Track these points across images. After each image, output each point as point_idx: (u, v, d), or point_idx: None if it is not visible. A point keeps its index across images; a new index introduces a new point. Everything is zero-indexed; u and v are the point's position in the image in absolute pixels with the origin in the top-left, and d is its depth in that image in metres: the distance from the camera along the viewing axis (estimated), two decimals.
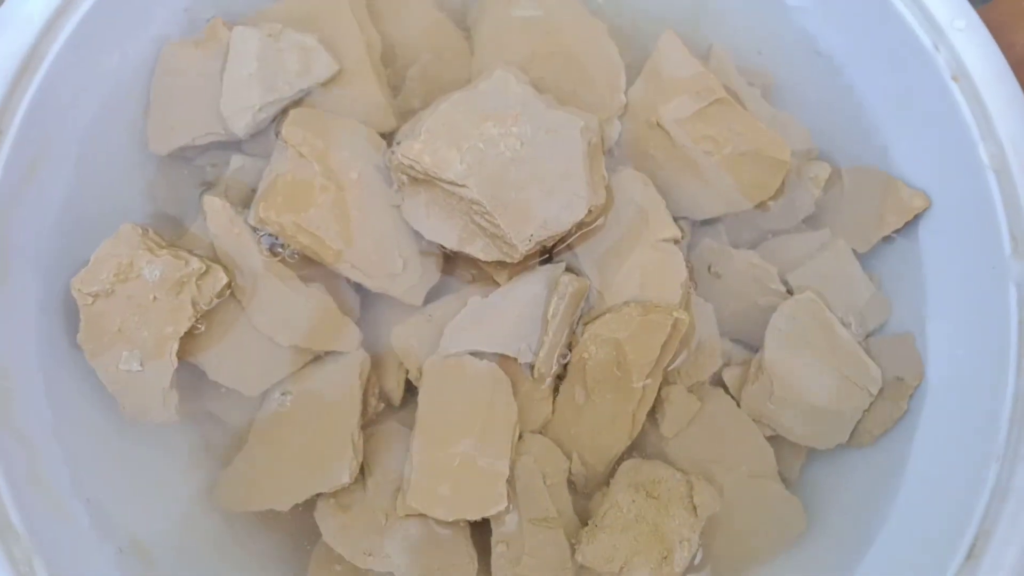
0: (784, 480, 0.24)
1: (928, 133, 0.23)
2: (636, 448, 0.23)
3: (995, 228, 0.22)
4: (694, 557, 0.22)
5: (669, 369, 0.23)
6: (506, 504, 0.21)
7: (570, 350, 0.23)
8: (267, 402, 0.23)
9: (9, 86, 0.21)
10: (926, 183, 0.24)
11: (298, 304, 0.22)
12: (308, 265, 0.23)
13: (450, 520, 0.21)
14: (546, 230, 0.22)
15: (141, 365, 0.21)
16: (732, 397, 0.24)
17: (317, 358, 0.23)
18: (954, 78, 0.22)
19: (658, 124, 0.24)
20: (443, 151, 0.22)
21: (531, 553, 0.22)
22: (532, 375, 0.22)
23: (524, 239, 0.22)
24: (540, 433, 0.23)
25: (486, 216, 0.22)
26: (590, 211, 0.22)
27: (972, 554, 0.20)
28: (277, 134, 0.23)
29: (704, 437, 0.23)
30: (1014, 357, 0.21)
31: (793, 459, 0.24)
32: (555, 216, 0.22)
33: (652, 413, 0.23)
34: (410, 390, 0.23)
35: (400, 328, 0.23)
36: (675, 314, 0.22)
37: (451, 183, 0.22)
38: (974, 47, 0.22)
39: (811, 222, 0.25)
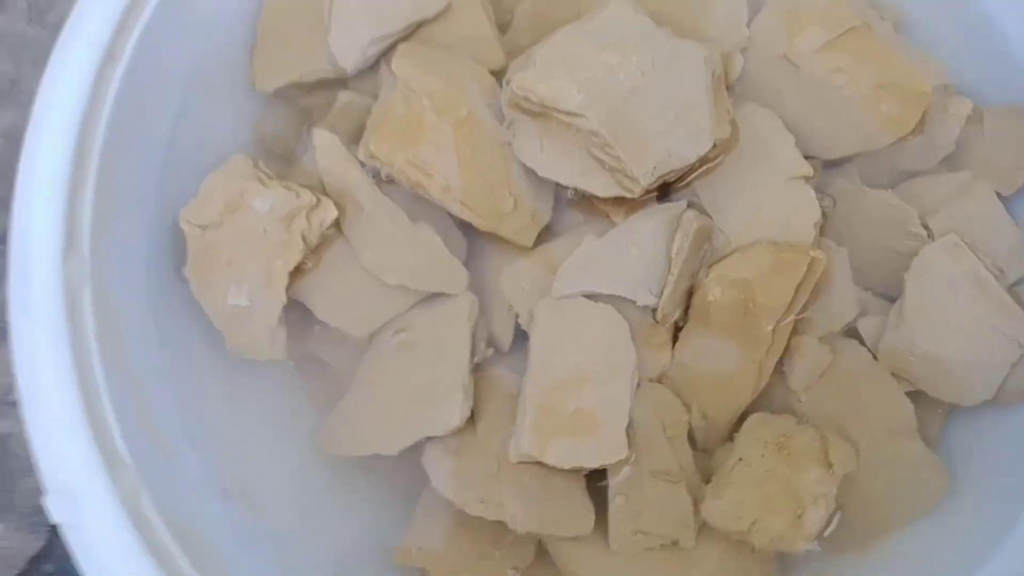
0: (928, 439, 0.22)
1: None
2: (762, 402, 0.22)
3: None
4: (831, 517, 0.20)
5: (801, 317, 0.21)
6: (627, 453, 0.20)
7: (692, 295, 0.22)
8: (374, 344, 0.22)
9: (118, 23, 0.21)
10: None
11: (406, 243, 0.21)
12: (417, 203, 0.22)
13: (567, 468, 0.20)
14: (669, 163, 0.20)
15: (249, 300, 0.21)
16: (868, 349, 0.22)
17: (425, 300, 0.22)
18: None
19: (785, 57, 0.22)
20: (560, 81, 0.21)
21: (651, 507, 0.20)
22: (654, 318, 0.21)
23: (646, 172, 0.20)
24: (658, 382, 0.22)
25: (606, 148, 0.20)
26: (715, 145, 0.21)
27: None
28: (387, 69, 0.22)
29: (837, 391, 0.22)
30: None
31: (933, 417, 0.22)
32: (678, 148, 0.21)
33: (780, 365, 0.22)
34: (519, 336, 0.22)
35: (510, 269, 0.22)
36: (812, 253, 0.20)
37: (569, 114, 0.21)
38: None
39: (950, 163, 0.23)
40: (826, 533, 0.21)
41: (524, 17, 0.24)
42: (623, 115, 0.21)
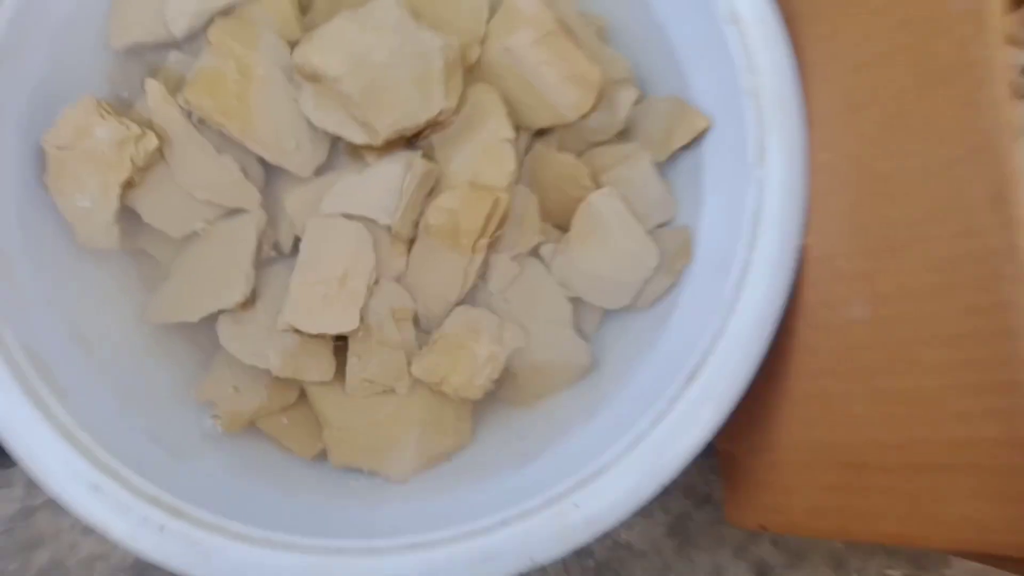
0: (584, 333, 0.31)
1: (711, 67, 0.30)
2: (468, 299, 0.30)
3: (744, 142, 0.28)
4: (499, 378, 0.29)
5: (495, 239, 0.29)
6: (357, 324, 0.28)
7: (419, 219, 0.30)
8: (186, 243, 0.30)
9: None
10: (710, 108, 0.30)
11: (211, 168, 0.29)
12: (224, 140, 0.29)
13: (314, 333, 0.28)
14: (403, 122, 0.28)
15: (91, 203, 0.28)
16: (545, 266, 0.30)
17: (227, 213, 0.30)
18: (732, 20, 0.29)
19: (507, 49, 0.30)
20: (328, 54, 0.28)
21: (377, 365, 0.29)
22: (391, 235, 0.29)
23: (385, 127, 0.28)
24: (396, 281, 0.30)
25: (357, 108, 0.28)
26: (442, 111, 0.29)
27: (692, 378, 0.27)
28: (206, 37, 0.29)
29: (521, 294, 0.30)
30: (745, 238, 0.27)
31: (591, 317, 0.31)
32: (412, 112, 0.29)
33: (484, 275, 0.30)
34: (297, 243, 0.30)
35: (291, 194, 0.30)
36: (497, 194, 0.29)
37: (332, 79, 0.28)
38: None
39: (625, 136, 0.31)
40: (499, 392, 0.29)
41: (322, 3, 0.31)
42: (372, 84, 0.28)
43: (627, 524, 0.35)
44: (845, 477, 0.27)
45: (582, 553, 0.34)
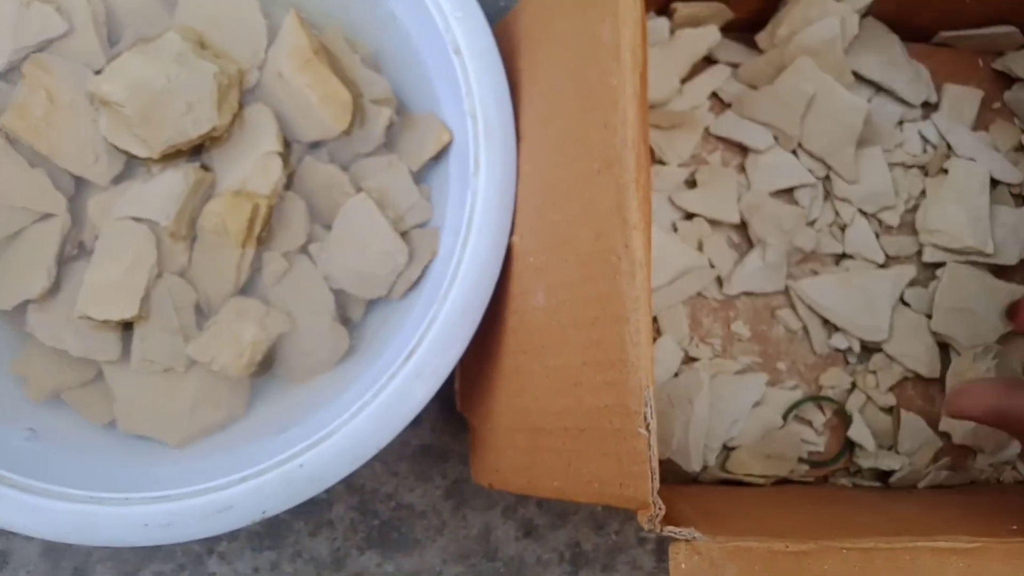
0: (350, 320, 0.35)
1: (449, 89, 0.34)
2: (246, 290, 0.35)
3: (467, 155, 0.32)
4: (264, 360, 0.33)
5: (265, 238, 0.34)
6: (137, 311, 0.33)
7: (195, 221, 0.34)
8: (6, 242, 0.35)
9: None
10: (452, 124, 0.34)
11: (25, 179, 0.34)
12: (37, 156, 0.34)
13: (101, 319, 0.33)
14: (176, 139, 0.33)
15: None
16: (314, 263, 0.35)
17: (42, 217, 0.35)
18: (456, 52, 0.33)
19: (279, 74, 0.35)
20: (113, 83, 0.33)
21: (157, 347, 0.34)
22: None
23: (159, 143, 0.33)
24: (180, 275, 0.34)
25: (137, 127, 0.33)
26: (214, 128, 0.34)
27: (408, 358, 0.31)
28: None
29: (290, 286, 0.35)
30: (461, 238, 0.32)
31: (356, 307, 0.35)
32: (185, 129, 0.33)
33: (260, 269, 0.35)
34: None
35: (93, 200, 0.35)
36: (256, 200, 0.33)
37: (117, 104, 0.33)
38: (467, 30, 0.33)
39: (388, 147, 0.36)
40: (276, 371, 0.34)
41: (128, 37, 0.36)
42: (152, 107, 0.33)
43: (409, 487, 0.39)
44: (531, 440, 0.31)
45: (368, 512, 0.39)
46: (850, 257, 0.41)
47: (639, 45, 0.27)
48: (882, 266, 0.41)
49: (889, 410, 0.40)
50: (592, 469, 0.28)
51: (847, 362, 0.40)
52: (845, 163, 0.40)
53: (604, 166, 0.28)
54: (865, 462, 0.39)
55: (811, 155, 0.41)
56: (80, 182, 0.35)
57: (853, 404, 0.40)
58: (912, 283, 0.41)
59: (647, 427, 0.25)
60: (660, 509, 0.24)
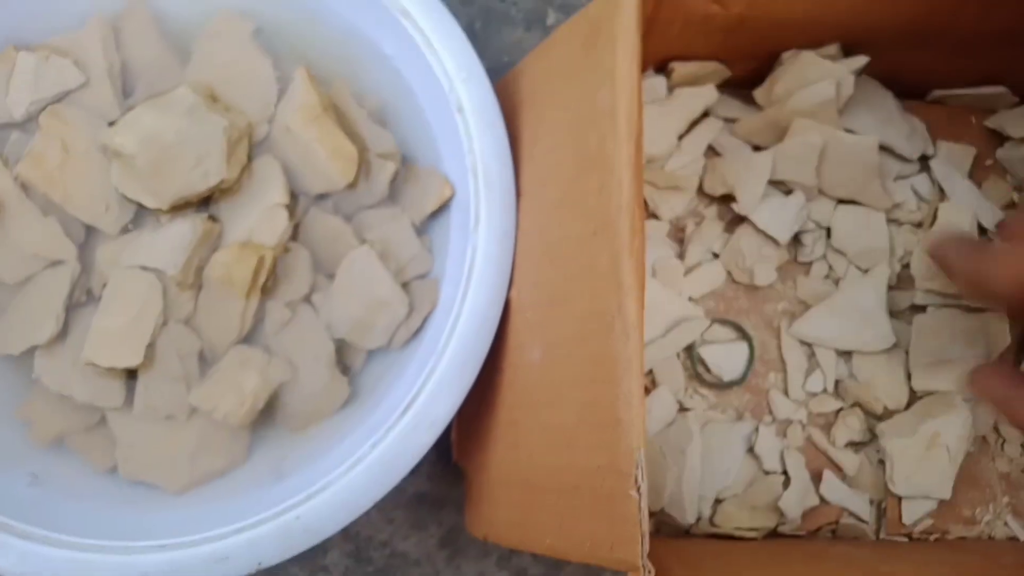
0: (350, 369, 0.36)
1: (451, 146, 0.35)
2: (249, 339, 0.35)
3: (468, 210, 0.33)
4: (266, 404, 0.34)
5: (269, 288, 0.35)
6: (142, 360, 0.33)
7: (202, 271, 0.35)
8: (17, 288, 0.36)
9: None
10: (454, 178, 0.35)
11: (37, 227, 0.35)
12: (50, 204, 0.35)
13: (107, 366, 0.34)
14: (184, 191, 0.34)
15: None
16: (315, 311, 0.36)
17: (51, 264, 0.36)
18: (459, 110, 0.34)
19: (287, 128, 0.36)
20: (125, 136, 0.34)
21: (161, 393, 0.34)
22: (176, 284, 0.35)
23: (169, 195, 0.34)
24: (184, 323, 0.35)
25: (148, 179, 0.34)
26: (223, 181, 0.35)
27: (407, 409, 0.31)
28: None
29: (293, 335, 0.35)
30: (461, 291, 0.32)
31: (357, 356, 0.36)
32: (194, 182, 0.34)
33: (263, 318, 0.36)
34: None
35: (102, 248, 0.35)
36: (262, 252, 0.34)
37: (129, 156, 0.34)
38: (470, 90, 0.34)
39: (392, 199, 0.37)
40: (276, 418, 0.35)
41: (142, 90, 0.37)
42: (162, 159, 0.34)
43: (404, 534, 0.39)
44: (525, 495, 0.31)
45: (362, 560, 0.39)
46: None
47: (635, 112, 0.28)
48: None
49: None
50: (584, 529, 0.28)
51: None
52: (875, 194, 0.41)
53: (599, 229, 0.28)
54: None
55: (832, 198, 0.41)
56: (90, 230, 0.36)
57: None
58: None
59: (638, 489, 0.25)
60: (650, 572, 0.24)
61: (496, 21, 0.45)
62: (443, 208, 0.36)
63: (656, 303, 0.40)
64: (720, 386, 0.40)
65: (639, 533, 0.25)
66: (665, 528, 0.39)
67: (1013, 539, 0.40)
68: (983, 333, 0.40)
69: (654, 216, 0.41)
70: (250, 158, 0.36)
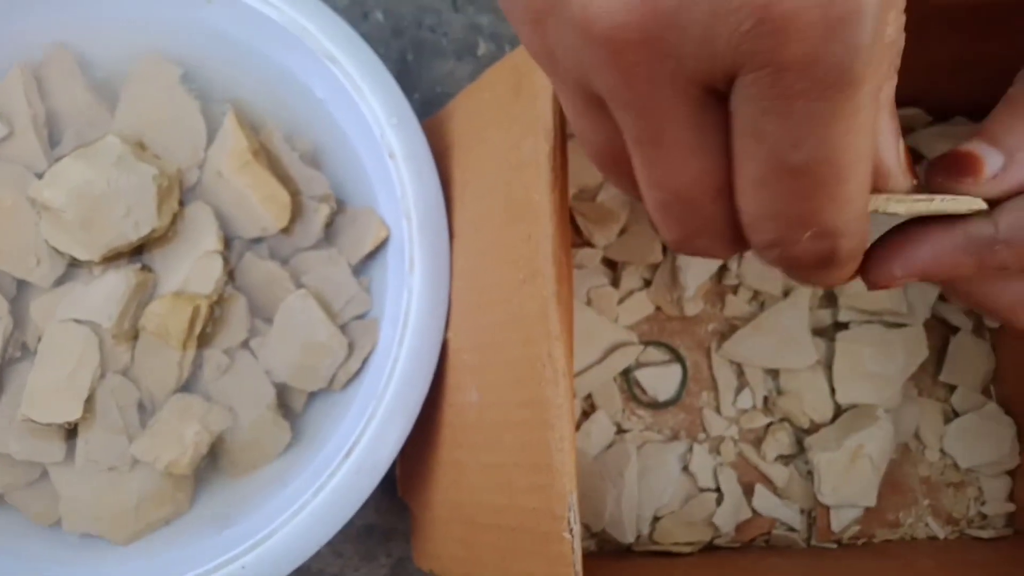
0: (292, 410, 0.36)
1: (385, 189, 0.35)
2: (189, 386, 0.36)
3: (403, 253, 0.34)
4: (206, 453, 0.34)
5: (205, 336, 0.35)
6: (80, 414, 0.33)
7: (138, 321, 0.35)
8: None
9: None
10: (389, 220, 0.36)
11: None
12: None
13: (45, 422, 0.33)
14: (116, 242, 0.34)
15: None
16: (255, 357, 0.36)
17: None
18: (391, 155, 0.34)
19: (218, 173, 0.36)
20: (54, 189, 0.34)
21: (99, 447, 0.34)
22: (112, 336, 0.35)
23: (100, 247, 0.34)
24: (121, 374, 0.35)
25: (78, 232, 0.34)
26: (154, 229, 0.35)
27: (348, 455, 0.32)
28: None
29: (232, 382, 0.36)
30: (398, 335, 0.33)
31: (298, 398, 0.36)
32: (126, 232, 0.34)
33: (201, 365, 0.36)
34: None
35: (35, 302, 0.35)
36: (197, 301, 0.34)
37: (58, 209, 0.34)
38: (401, 136, 0.34)
39: (329, 241, 0.37)
40: (219, 464, 0.35)
41: (71, 138, 0.37)
42: (93, 211, 0.34)
43: (354, 567, 0.40)
44: (468, 533, 0.32)
45: None
46: None
47: (559, 162, 0.29)
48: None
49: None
50: (523, 567, 0.29)
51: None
52: None
53: (528, 278, 0.29)
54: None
55: None
56: (22, 284, 0.36)
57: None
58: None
59: (571, 531, 0.26)
60: None
61: (428, 52, 0.45)
62: (380, 248, 0.36)
63: (592, 330, 0.41)
64: (656, 406, 0.41)
65: (572, 573, 0.26)
66: (607, 547, 0.40)
67: (933, 538, 0.42)
68: (903, 347, 0.42)
69: (588, 244, 0.42)
70: (182, 204, 0.36)
